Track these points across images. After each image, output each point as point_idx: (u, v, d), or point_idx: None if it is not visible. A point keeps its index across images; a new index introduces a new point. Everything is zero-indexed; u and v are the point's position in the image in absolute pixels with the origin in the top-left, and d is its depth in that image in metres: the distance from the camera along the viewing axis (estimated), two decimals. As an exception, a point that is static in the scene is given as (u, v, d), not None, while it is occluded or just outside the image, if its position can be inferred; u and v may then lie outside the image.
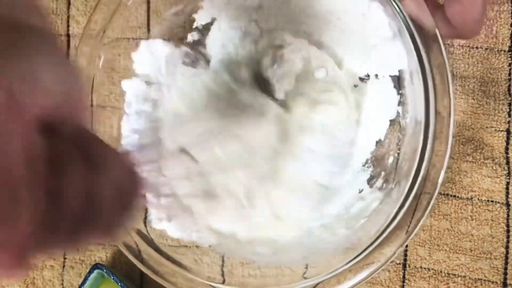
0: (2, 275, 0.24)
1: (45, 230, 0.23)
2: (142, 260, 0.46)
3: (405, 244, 0.41)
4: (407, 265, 0.51)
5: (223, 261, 0.49)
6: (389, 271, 0.51)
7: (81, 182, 0.24)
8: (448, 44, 0.50)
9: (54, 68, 0.24)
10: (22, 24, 0.24)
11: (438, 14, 0.36)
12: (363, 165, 0.49)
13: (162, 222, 0.48)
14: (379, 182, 0.47)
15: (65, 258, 0.56)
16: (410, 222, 0.41)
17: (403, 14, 0.40)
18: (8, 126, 0.22)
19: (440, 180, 0.40)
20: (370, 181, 0.48)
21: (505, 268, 0.50)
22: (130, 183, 0.27)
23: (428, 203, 0.40)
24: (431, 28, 0.38)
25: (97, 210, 0.25)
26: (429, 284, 0.51)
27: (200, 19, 0.51)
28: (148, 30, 0.50)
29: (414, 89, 0.43)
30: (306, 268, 0.46)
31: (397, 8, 0.40)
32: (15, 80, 0.22)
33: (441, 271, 0.51)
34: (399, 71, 0.47)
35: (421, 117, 0.41)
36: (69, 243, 0.26)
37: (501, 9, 0.50)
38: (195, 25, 0.51)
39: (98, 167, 0.25)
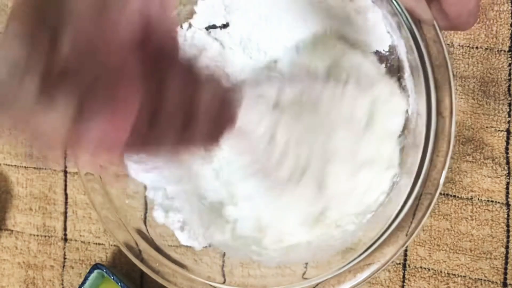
0: (99, 160, 0.28)
1: (149, 131, 0.26)
2: (142, 260, 0.46)
3: (406, 245, 0.41)
4: (407, 265, 0.51)
5: (223, 261, 0.49)
6: (389, 271, 0.51)
7: (182, 90, 0.27)
8: (448, 44, 0.50)
9: None
10: None
11: (434, 6, 0.36)
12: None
13: (176, 231, 0.49)
14: None
15: (65, 258, 0.56)
16: (411, 223, 0.41)
17: (405, 16, 0.40)
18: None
19: (441, 181, 0.40)
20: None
21: (505, 268, 0.50)
22: (226, 97, 0.30)
23: (429, 203, 0.40)
24: (428, 21, 0.38)
25: (198, 118, 0.28)
26: (429, 284, 0.51)
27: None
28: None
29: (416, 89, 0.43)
30: (306, 268, 0.46)
31: (398, 9, 0.40)
32: None
33: (441, 271, 0.51)
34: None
35: (423, 117, 0.41)
36: (171, 148, 0.28)
37: (501, 9, 0.50)
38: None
39: (199, 80, 0.28)
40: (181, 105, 0.27)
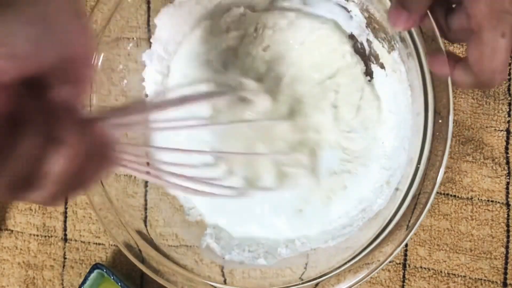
0: None
1: None
2: (142, 260, 0.46)
3: (404, 243, 0.41)
4: (407, 265, 0.51)
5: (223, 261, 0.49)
6: (389, 271, 0.51)
7: (33, 150, 0.24)
8: (446, 42, 0.50)
9: (45, 28, 0.24)
10: None
11: (461, 63, 0.36)
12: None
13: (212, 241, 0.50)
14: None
15: (65, 258, 0.56)
16: (409, 222, 0.41)
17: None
18: None
19: (438, 180, 0.40)
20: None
21: (505, 268, 0.50)
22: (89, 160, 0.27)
23: (427, 202, 0.40)
24: (446, 78, 0.38)
25: (41, 180, 0.25)
26: (429, 284, 0.51)
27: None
28: (148, 30, 0.50)
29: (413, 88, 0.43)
30: (306, 268, 0.46)
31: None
32: None
33: (441, 271, 0.51)
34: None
35: (421, 116, 0.41)
36: (4, 194, 0.25)
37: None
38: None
39: (57, 142, 0.25)
40: (26, 166, 0.25)
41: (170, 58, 0.51)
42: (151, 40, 0.50)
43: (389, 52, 0.46)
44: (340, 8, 0.48)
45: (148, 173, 0.34)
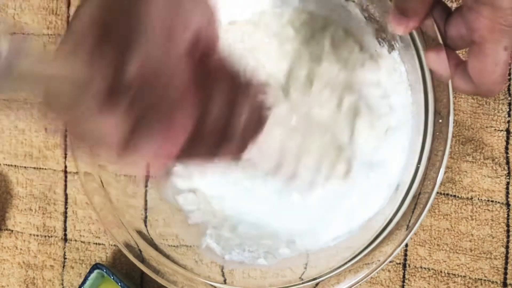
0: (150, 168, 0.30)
1: (190, 143, 0.28)
2: (142, 260, 0.46)
3: (404, 243, 0.41)
4: (407, 265, 0.51)
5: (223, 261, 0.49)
6: (389, 271, 0.51)
7: (225, 106, 0.29)
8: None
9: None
10: None
11: (460, 69, 0.36)
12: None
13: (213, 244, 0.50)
14: None
15: (65, 258, 0.56)
16: (409, 222, 0.41)
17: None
18: (166, 48, 0.27)
19: (439, 180, 0.40)
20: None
21: (505, 268, 0.50)
22: (261, 110, 0.32)
23: (427, 202, 0.40)
24: (445, 80, 0.38)
25: (235, 132, 0.30)
26: (429, 284, 0.51)
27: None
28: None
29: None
30: (306, 268, 0.46)
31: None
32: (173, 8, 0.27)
33: (441, 271, 0.51)
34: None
35: (421, 116, 0.41)
36: (207, 156, 0.30)
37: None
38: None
39: (241, 94, 0.30)
40: (225, 119, 0.30)
41: None
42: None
43: (389, 52, 0.46)
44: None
45: None
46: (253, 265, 0.48)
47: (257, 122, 0.33)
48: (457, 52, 0.37)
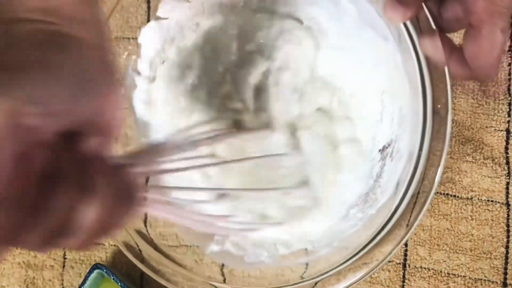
0: None
1: (20, 230, 0.24)
2: (142, 260, 0.46)
3: (403, 242, 0.41)
4: (407, 265, 0.51)
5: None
6: (389, 270, 0.51)
7: (67, 203, 0.24)
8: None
9: (76, 86, 0.24)
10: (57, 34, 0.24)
11: (455, 54, 0.36)
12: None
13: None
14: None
15: (65, 258, 0.56)
16: (408, 221, 0.41)
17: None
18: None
19: (437, 179, 0.40)
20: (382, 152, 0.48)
21: (505, 268, 0.50)
22: (118, 207, 0.27)
23: (426, 201, 0.40)
24: (441, 65, 0.38)
25: (75, 229, 0.25)
26: (429, 284, 0.51)
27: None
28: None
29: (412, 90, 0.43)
30: (306, 267, 0.46)
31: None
32: (21, 102, 0.22)
33: (441, 271, 0.51)
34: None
35: (419, 116, 0.41)
36: (40, 245, 0.26)
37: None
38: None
39: (89, 193, 0.25)
40: (60, 219, 0.25)
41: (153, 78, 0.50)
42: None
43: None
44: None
45: (170, 212, 0.34)
46: (253, 264, 0.48)
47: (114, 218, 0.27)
48: (449, 36, 0.37)
